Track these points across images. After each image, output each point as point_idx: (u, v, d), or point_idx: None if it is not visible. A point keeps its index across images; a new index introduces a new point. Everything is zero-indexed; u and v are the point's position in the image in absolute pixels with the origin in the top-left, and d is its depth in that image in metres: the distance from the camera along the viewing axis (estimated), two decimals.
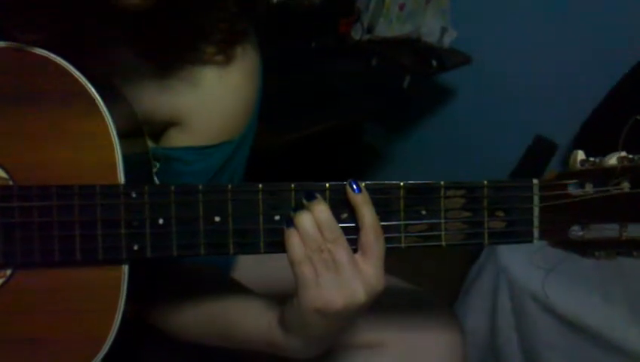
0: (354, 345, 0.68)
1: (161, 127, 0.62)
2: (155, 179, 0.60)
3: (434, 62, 1.51)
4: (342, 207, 0.48)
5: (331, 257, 0.46)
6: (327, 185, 0.48)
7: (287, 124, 1.24)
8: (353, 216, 0.48)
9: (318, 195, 0.47)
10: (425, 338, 0.68)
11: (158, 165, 0.60)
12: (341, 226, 0.48)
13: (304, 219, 0.47)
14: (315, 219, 0.47)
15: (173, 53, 0.57)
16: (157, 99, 0.59)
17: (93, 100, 0.50)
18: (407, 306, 0.72)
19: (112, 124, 0.50)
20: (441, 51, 1.54)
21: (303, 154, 1.48)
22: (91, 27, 0.54)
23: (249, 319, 0.56)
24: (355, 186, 0.47)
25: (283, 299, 0.52)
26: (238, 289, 0.64)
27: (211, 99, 0.60)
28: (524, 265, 1.13)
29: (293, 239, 0.47)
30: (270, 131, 1.18)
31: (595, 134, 1.42)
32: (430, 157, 1.88)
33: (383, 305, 0.67)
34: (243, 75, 0.61)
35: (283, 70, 1.26)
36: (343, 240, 0.47)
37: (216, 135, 0.61)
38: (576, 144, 1.49)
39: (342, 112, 1.37)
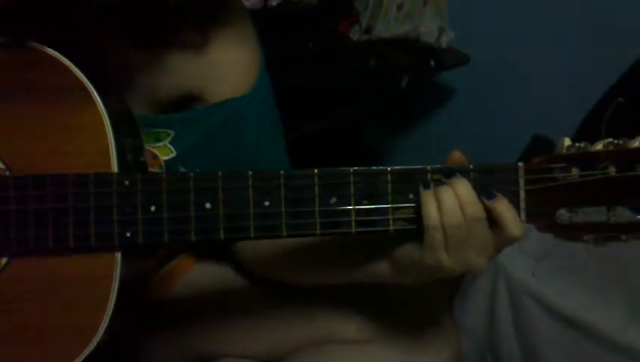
0: (349, 341, 0.68)
1: (177, 106, 0.62)
2: (172, 148, 0.62)
3: (432, 62, 1.51)
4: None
5: (467, 234, 0.47)
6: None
7: (286, 124, 1.25)
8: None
9: (457, 173, 0.48)
10: (420, 335, 0.68)
11: (172, 133, 0.61)
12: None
13: (446, 195, 0.47)
14: (457, 195, 0.47)
15: (153, 38, 0.58)
16: (158, 83, 0.60)
17: (88, 93, 0.51)
18: (405, 302, 0.72)
19: (106, 114, 0.51)
20: (439, 51, 1.54)
21: (301, 154, 1.48)
22: (78, 24, 0.56)
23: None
24: (490, 195, 0.48)
25: None
26: None
27: (208, 73, 0.61)
28: (522, 263, 1.14)
29: (431, 206, 0.48)
30: None
31: (593, 133, 1.42)
32: (428, 156, 1.88)
33: (379, 301, 0.68)
34: (234, 43, 0.63)
35: (282, 70, 1.27)
36: (484, 216, 0.48)
37: (227, 94, 0.62)
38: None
39: (340, 112, 1.38)
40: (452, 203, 0.47)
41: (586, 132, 1.44)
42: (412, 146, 1.93)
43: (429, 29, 1.53)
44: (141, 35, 0.58)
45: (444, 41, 1.55)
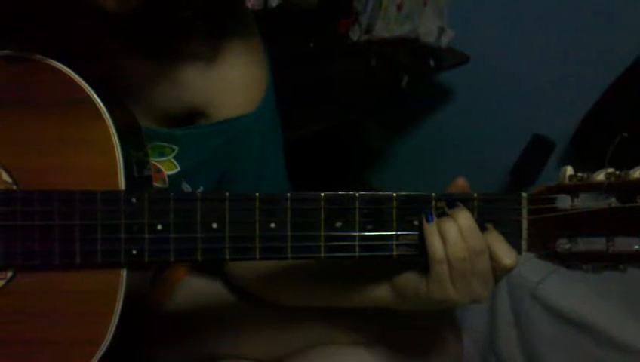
0: (350, 342, 0.69)
1: (182, 120, 0.62)
2: (176, 163, 0.61)
3: (432, 62, 1.51)
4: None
5: (471, 266, 0.48)
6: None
7: (287, 123, 1.25)
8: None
9: (459, 203, 0.49)
10: (423, 337, 0.69)
11: (177, 148, 0.61)
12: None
13: (449, 228, 0.48)
14: (459, 226, 0.48)
15: (161, 50, 0.58)
16: (164, 98, 0.60)
17: (96, 107, 0.51)
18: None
19: (114, 130, 0.51)
20: (438, 51, 1.54)
21: (302, 154, 1.49)
22: (84, 35, 0.55)
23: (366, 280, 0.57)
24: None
25: None
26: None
27: (216, 88, 0.61)
28: (522, 263, 1.15)
29: (434, 238, 0.48)
30: None
31: (592, 133, 1.43)
32: (429, 156, 1.89)
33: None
34: (243, 58, 0.62)
35: (282, 70, 1.26)
36: (486, 250, 0.48)
37: (232, 113, 0.62)
38: (574, 143, 1.50)
39: (340, 112, 1.38)
40: (455, 236, 0.47)
41: (585, 132, 1.45)
42: (412, 146, 1.94)
43: (429, 29, 1.53)
44: (151, 46, 0.58)
45: (444, 41, 1.55)
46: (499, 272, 0.49)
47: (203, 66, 0.60)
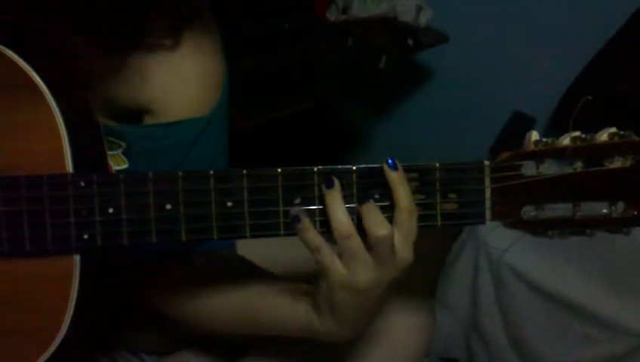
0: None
1: (131, 115, 0.61)
2: (125, 159, 0.60)
3: (410, 42, 1.50)
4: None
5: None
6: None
7: (264, 105, 1.23)
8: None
9: (336, 183, 0.47)
10: (391, 319, 0.68)
11: (124, 145, 0.59)
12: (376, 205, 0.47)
13: (332, 201, 0.47)
14: (328, 209, 0.47)
15: (121, 40, 0.56)
16: (117, 90, 0.59)
17: (38, 90, 0.49)
18: None
19: (58, 112, 0.49)
20: (417, 30, 1.53)
21: (282, 135, 1.47)
22: (40, 19, 0.53)
23: (284, 305, 0.57)
24: (391, 163, 0.47)
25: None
26: (267, 275, 0.65)
27: (170, 83, 0.59)
28: (487, 231, 1.15)
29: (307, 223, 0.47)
30: (247, 112, 1.17)
31: (573, 109, 1.42)
32: (409, 136, 1.88)
33: None
34: (201, 55, 0.61)
35: (259, 51, 1.24)
36: (355, 234, 0.47)
37: (183, 113, 0.61)
38: (555, 119, 1.50)
39: (319, 93, 1.36)
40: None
41: (565, 108, 1.44)
42: (392, 126, 1.92)
43: (407, 7, 1.51)
44: (111, 35, 0.56)
45: (423, 20, 1.53)
46: (375, 244, 0.47)
47: (162, 56, 0.58)
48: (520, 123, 1.57)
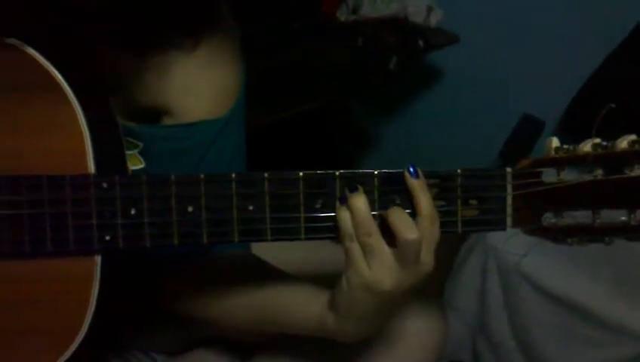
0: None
1: (149, 116, 0.61)
2: (141, 158, 0.60)
3: (421, 42, 1.49)
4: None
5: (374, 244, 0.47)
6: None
7: (274, 105, 1.23)
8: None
9: (359, 187, 0.47)
10: (406, 324, 0.68)
11: (141, 145, 0.60)
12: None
13: (356, 202, 0.47)
14: (352, 208, 0.47)
15: (145, 43, 0.57)
16: (137, 91, 0.59)
17: (60, 88, 0.49)
18: None
19: (81, 113, 0.49)
20: (427, 31, 1.52)
21: (290, 135, 1.47)
22: (66, 22, 0.53)
23: (300, 304, 0.57)
24: (412, 170, 0.47)
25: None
26: (283, 274, 0.65)
27: (190, 84, 0.60)
28: (505, 239, 1.15)
29: (343, 213, 0.47)
30: (258, 111, 1.17)
31: (582, 113, 1.42)
32: (419, 136, 1.88)
33: None
34: (221, 55, 0.61)
35: (269, 51, 1.24)
36: (376, 233, 0.47)
37: (202, 114, 0.61)
38: (564, 122, 1.50)
39: (328, 93, 1.36)
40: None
41: (575, 111, 1.44)
42: (401, 127, 1.92)
43: (418, 8, 1.51)
44: (132, 36, 0.56)
45: (433, 21, 1.53)
46: (403, 247, 0.47)
47: (182, 57, 0.59)
48: (529, 126, 1.56)
